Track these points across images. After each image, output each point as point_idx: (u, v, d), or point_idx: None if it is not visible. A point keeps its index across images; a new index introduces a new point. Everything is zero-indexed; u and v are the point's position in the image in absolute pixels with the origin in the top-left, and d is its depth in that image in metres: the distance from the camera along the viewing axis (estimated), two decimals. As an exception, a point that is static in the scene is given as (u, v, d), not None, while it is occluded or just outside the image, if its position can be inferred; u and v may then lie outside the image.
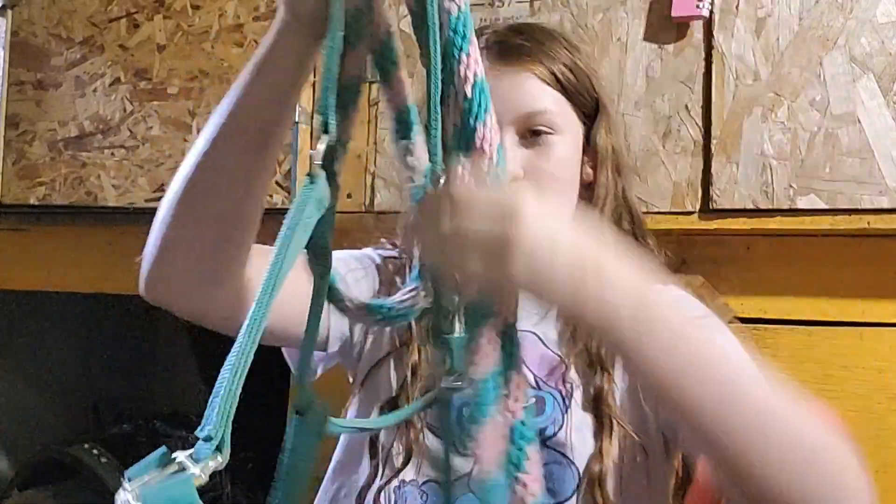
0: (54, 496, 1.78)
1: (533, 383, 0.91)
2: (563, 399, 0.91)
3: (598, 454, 0.87)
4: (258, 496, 1.65)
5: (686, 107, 1.24)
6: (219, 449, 0.48)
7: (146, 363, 2.27)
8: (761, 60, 1.20)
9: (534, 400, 0.87)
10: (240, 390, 0.49)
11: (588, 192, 0.97)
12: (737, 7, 1.22)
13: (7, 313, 1.93)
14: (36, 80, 1.71)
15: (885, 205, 1.13)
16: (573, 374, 0.92)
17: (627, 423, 0.89)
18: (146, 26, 1.60)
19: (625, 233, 0.97)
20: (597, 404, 0.89)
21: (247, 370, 0.50)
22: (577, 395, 0.91)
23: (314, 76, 1.48)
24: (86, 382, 2.07)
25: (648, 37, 1.27)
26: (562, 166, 0.93)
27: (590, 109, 0.97)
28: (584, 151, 0.97)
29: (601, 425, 0.89)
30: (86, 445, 1.77)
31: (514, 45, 0.93)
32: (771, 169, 1.18)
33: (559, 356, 0.93)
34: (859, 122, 1.15)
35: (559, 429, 0.90)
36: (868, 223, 1.14)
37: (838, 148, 1.15)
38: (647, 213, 1.24)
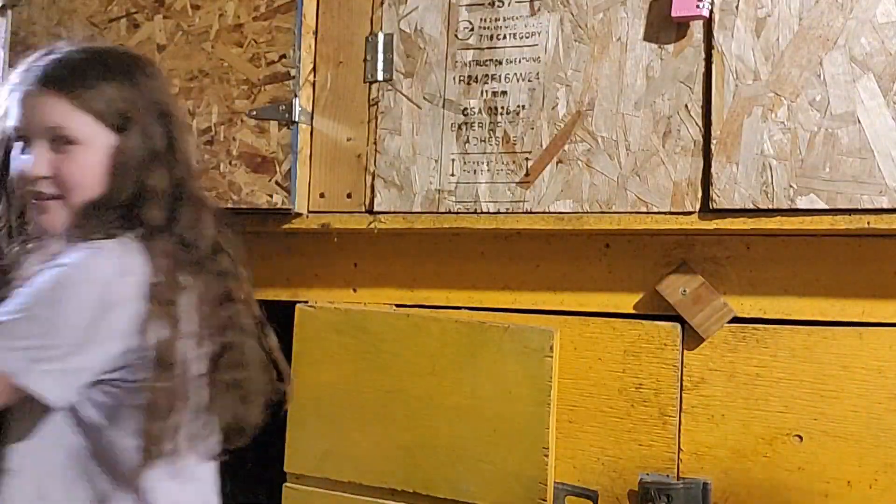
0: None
1: None
2: None
3: None
4: (257, 495, 1.65)
5: (686, 107, 1.24)
6: None
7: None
8: (761, 60, 1.20)
9: None
10: None
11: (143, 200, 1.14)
12: (737, 7, 1.22)
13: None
14: (36, 80, 1.70)
15: (885, 205, 1.13)
16: None
17: None
18: (146, 26, 1.60)
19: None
20: None
21: None
22: None
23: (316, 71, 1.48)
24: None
25: (648, 37, 1.27)
26: (81, 171, 1.12)
27: (117, 121, 1.13)
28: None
29: None
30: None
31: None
32: (771, 169, 1.18)
33: None
34: (859, 122, 1.15)
35: None
36: (868, 223, 1.14)
37: (838, 148, 1.16)
38: (648, 213, 1.25)
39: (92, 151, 1.12)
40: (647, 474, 1.27)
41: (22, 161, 1.12)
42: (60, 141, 1.10)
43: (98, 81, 1.13)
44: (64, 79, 1.12)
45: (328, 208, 1.45)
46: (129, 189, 1.12)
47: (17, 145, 1.14)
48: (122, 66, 1.16)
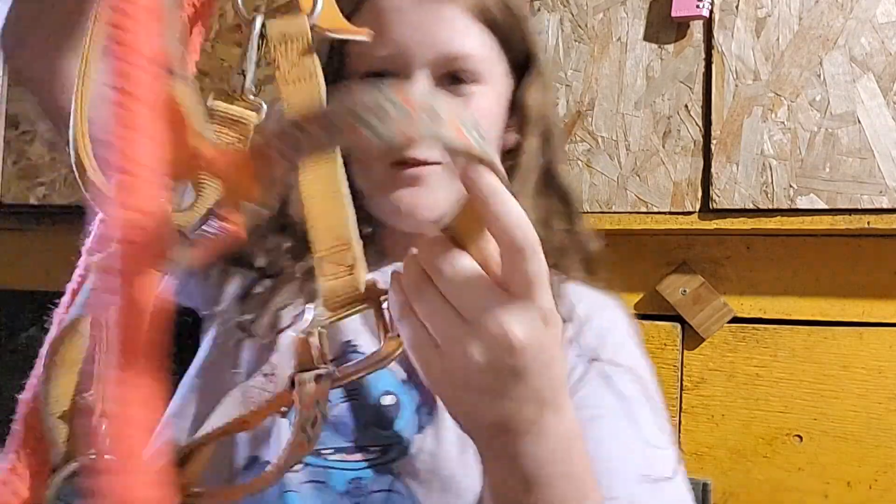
0: (54, 496, 1.78)
1: (396, 378, 0.73)
2: (428, 407, 0.72)
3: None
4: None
5: (686, 107, 1.24)
6: None
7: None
8: (761, 60, 1.20)
9: (392, 401, 0.72)
10: None
11: (509, 160, 0.81)
12: (737, 7, 1.22)
13: (7, 313, 1.93)
14: (36, 80, 1.70)
15: (885, 205, 1.13)
16: None
17: None
18: (146, 26, 1.60)
19: (554, 213, 0.83)
20: None
21: None
22: None
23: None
24: (86, 382, 2.06)
25: (648, 37, 1.27)
26: (484, 125, 0.73)
27: (521, 62, 0.81)
28: (510, 112, 0.81)
29: None
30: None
31: None
32: (771, 169, 1.18)
33: None
34: (859, 122, 1.15)
35: (405, 451, 0.70)
36: (868, 223, 1.14)
37: (838, 148, 1.16)
38: (648, 213, 1.25)
39: (495, 98, 0.78)
40: (647, 474, 1.27)
41: None
42: (458, 76, 0.74)
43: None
44: None
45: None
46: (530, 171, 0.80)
47: (373, 81, 0.71)
48: None
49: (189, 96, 0.46)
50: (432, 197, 0.74)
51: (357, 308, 0.51)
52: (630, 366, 0.75)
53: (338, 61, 0.78)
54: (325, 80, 0.72)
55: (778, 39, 1.20)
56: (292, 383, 0.49)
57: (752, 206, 1.19)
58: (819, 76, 1.17)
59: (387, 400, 0.71)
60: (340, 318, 0.51)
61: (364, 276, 0.51)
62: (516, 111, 0.81)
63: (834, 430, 1.19)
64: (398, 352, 0.50)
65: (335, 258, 0.50)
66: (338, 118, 0.38)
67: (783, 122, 1.18)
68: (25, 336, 1.98)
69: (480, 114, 0.76)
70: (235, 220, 0.45)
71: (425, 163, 0.73)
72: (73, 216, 1.70)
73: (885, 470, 1.16)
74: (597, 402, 0.71)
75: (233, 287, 0.79)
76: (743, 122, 1.20)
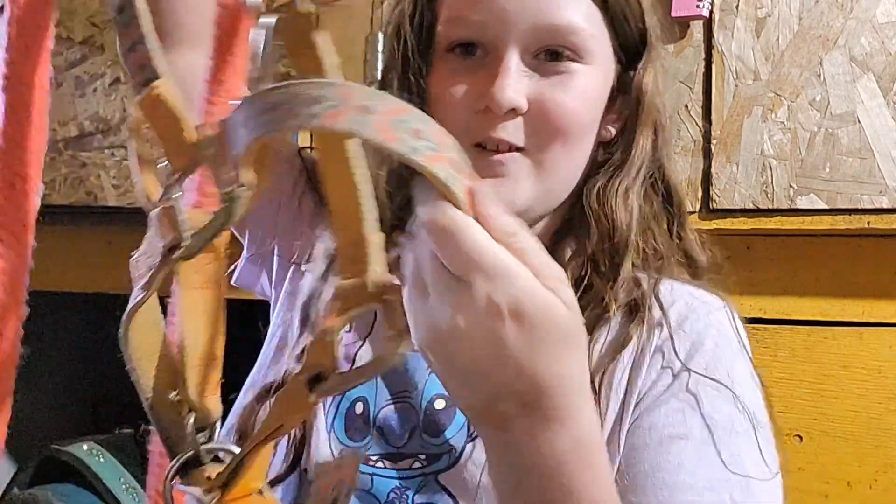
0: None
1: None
2: None
3: None
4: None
5: (686, 107, 1.24)
6: None
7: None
8: (761, 60, 1.20)
9: (443, 405, 0.67)
10: None
11: (607, 153, 0.74)
12: (737, 7, 1.22)
13: (7, 313, 1.93)
14: (36, 80, 1.70)
15: (885, 205, 1.13)
16: None
17: None
18: (146, 26, 1.60)
19: (656, 219, 0.77)
20: None
21: None
22: None
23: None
24: (85, 383, 2.06)
25: (648, 37, 1.27)
26: (582, 108, 0.69)
27: (631, 43, 0.73)
28: (611, 100, 0.74)
29: None
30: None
31: None
32: (771, 169, 1.18)
33: None
34: (859, 122, 1.15)
35: (455, 461, 0.65)
36: (868, 223, 1.14)
37: (838, 148, 1.16)
38: (647, 213, 1.25)
39: (598, 80, 0.70)
40: (647, 474, 1.27)
41: (473, 83, 0.67)
42: (558, 52, 0.67)
43: None
44: None
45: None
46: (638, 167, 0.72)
47: (457, 53, 0.69)
48: None
49: (175, 93, 0.47)
50: (516, 189, 0.67)
51: (363, 307, 0.47)
52: (726, 380, 0.67)
53: (427, 32, 0.72)
54: (413, 52, 0.70)
55: (778, 39, 1.20)
56: (309, 387, 0.46)
57: (752, 206, 1.19)
58: (819, 76, 1.17)
59: (438, 404, 0.67)
60: (347, 318, 0.48)
61: (377, 274, 0.48)
62: (621, 98, 0.74)
63: (834, 430, 1.19)
64: (391, 356, 0.46)
65: (347, 255, 0.48)
66: (281, 98, 0.39)
67: (783, 122, 1.18)
68: (25, 336, 1.98)
69: (580, 96, 0.68)
70: (214, 200, 0.46)
71: (508, 147, 0.67)
72: (73, 216, 1.70)
73: (885, 470, 1.16)
74: (678, 421, 0.64)
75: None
76: (743, 122, 1.20)
